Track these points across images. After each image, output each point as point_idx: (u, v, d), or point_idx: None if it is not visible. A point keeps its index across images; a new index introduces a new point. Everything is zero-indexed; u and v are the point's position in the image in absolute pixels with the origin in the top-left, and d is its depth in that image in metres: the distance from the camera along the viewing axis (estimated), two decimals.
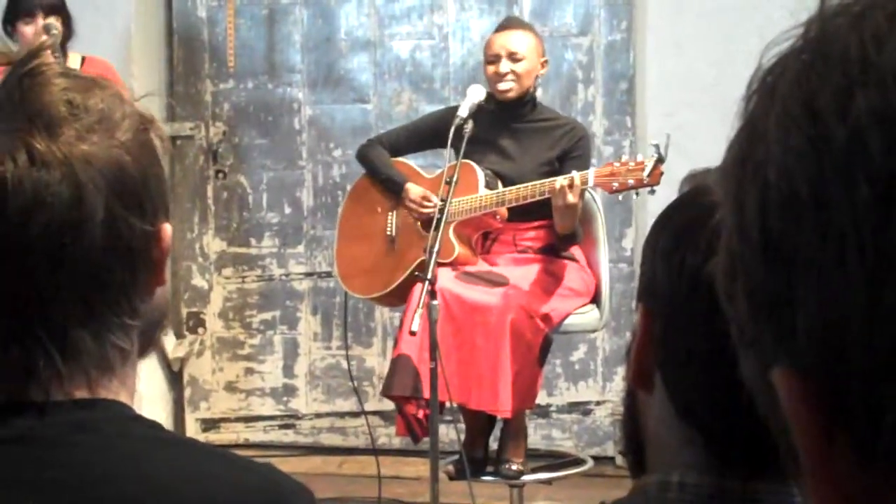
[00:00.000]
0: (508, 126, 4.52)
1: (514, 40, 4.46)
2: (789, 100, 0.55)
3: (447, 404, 4.19)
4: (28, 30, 4.65)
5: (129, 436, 1.23)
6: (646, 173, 4.02)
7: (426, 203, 4.46)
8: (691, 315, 1.09)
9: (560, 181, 4.12)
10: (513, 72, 4.43)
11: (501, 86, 4.44)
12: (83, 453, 1.19)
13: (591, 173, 4.13)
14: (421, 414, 4.20)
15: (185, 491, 1.19)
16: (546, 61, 4.58)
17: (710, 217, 1.08)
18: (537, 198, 4.25)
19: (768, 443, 1.04)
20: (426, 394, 4.07)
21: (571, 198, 4.09)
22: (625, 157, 4.21)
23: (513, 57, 4.43)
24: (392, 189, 4.60)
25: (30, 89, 1.21)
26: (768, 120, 0.55)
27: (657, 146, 3.99)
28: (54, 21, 4.66)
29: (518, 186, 4.31)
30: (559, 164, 4.44)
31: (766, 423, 0.60)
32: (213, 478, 1.22)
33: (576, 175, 4.13)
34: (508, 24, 4.63)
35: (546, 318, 4.26)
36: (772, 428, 0.59)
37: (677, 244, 1.12)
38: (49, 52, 1.26)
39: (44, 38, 4.53)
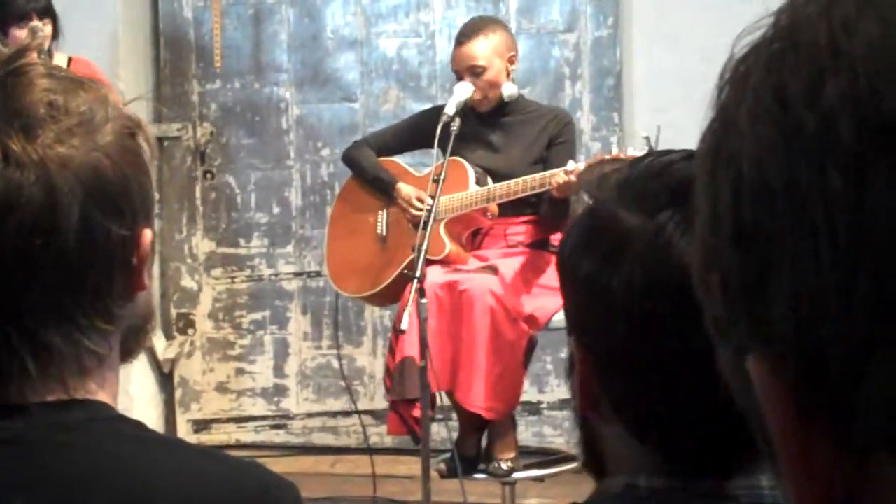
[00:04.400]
0: (494, 120, 4.51)
1: (472, 53, 4.40)
2: (760, 89, 0.55)
3: (438, 401, 4.19)
4: (21, 34, 4.68)
5: (114, 435, 1.22)
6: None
7: (418, 203, 4.45)
8: (623, 342, 1.09)
9: (561, 175, 4.11)
10: (477, 87, 4.38)
11: (474, 103, 4.41)
12: (69, 454, 1.19)
13: (582, 167, 4.12)
14: (419, 414, 4.20)
15: (171, 490, 1.19)
16: (514, 56, 4.49)
17: (627, 244, 1.08)
18: (528, 192, 4.26)
19: (727, 446, 1.04)
20: (433, 388, 4.08)
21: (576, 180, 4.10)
22: (615, 150, 4.21)
23: (473, 71, 4.39)
24: (382, 189, 4.59)
25: (12, 89, 1.20)
26: (740, 110, 0.56)
27: (648, 139, 3.98)
28: (40, 23, 4.69)
29: (508, 182, 4.31)
30: (546, 152, 4.45)
31: (742, 415, 0.60)
32: (199, 476, 1.22)
33: (571, 164, 4.13)
34: (463, 36, 4.49)
35: (531, 319, 4.25)
36: (747, 418, 0.59)
37: (598, 273, 1.10)
38: (35, 52, 1.25)
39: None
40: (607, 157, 4.14)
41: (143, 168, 1.26)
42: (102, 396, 1.25)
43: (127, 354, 1.31)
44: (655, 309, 1.05)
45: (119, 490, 1.18)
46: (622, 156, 4.08)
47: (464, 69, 4.40)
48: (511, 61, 4.48)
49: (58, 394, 1.22)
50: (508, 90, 4.49)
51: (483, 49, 4.41)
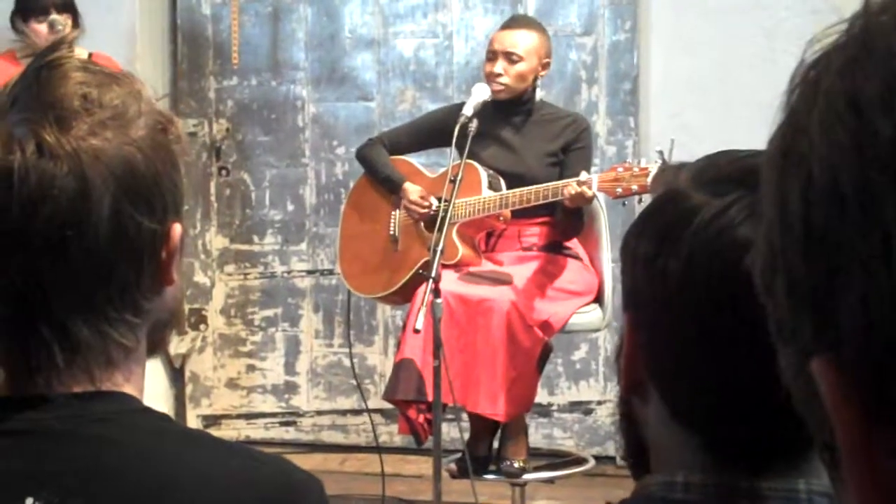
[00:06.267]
0: (509, 120, 4.51)
1: (514, 40, 4.43)
2: (833, 94, 0.55)
3: (451, 401, 4.20)
4: (41, 28, 4.73)
5: (139, 428, 1.23)
6: (650, 179, 4.00)
7: (424, 203, 4.45)
8: (677, 322, 1.08)
9: (573, 186, 4.10)
10: (506, 72, 4.41)
11: (493, 86, 4.43)
12: (94, 445, 1.19)
13: (594, 178, 4.11)
14: (421, 418, 4.20)
15: (195, 483, 1.19)
16: (549, 63, 4.53)
17: (689, 222, 1.07)
18: (540, 201, 4.25)
19: (765, 441, 1.04)
20: (430, 397, 4.07)
21: (589, 192, 4.09)
22: (628, 162, 4.20)
23: (509, 57, 4.41)
24: (391, 189, 4.59)
25: (47, 81, 1.21)
26: (812, 114, 0.56)
27: (661, 152, 3.95)
28: (60, 18, 4.72)
29: (522, 189, 4.29)
30: (563, 156, 4.45)
31: (802, 416, 0.60)
32: (224, 470, 1.22)
33: (584, 175, 4.13)
34: (513, 22, 4.59)
35: (545, 325, 4.25)
36: (809, 422, 0.59)
37: (658, 250, 1.09)
38: (70, 46, 1.26)
39: (53, 35, 4.61)
40: (620, 169, 4.13)
41: (174, 163, 1.26)
42: (128, 389, 1.25)
43: (153, 348, 1.31)
44: (710, 288, 1.04)
45: (143, 482, 1.18)
46: (636, 168, 4.07)
47: (501, 51, 4.42)
48: (544, 67, 4.50)
49: (84, 385, 1.22)
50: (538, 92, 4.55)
51: (527, 41, 4.44)
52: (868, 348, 0.53)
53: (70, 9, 4.81)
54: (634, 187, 4.04)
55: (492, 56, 4.45)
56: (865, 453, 0.55)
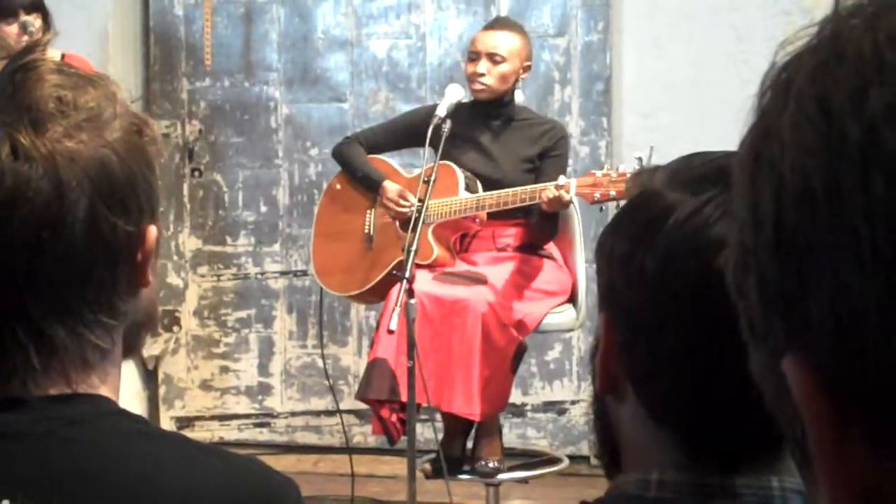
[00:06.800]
0: (488, 124, 4.52)
1: (497, 40, 4.44)
2: (804, 98, 0.56)
3: (425, 402, 4.20)
4: (11, 30, 4.70)
5: (116, 430, 1.23)
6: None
7: (403, 202, 4.45)
8: (654, 321, 1.09)
9: (551, 190, 4.11)
10: (489, 73, 4.41)
11: (475, 86, 4.44)
12: (71, 448, 1.19)
13: (572, 183, 4.12)
14: (394, 418, 4.20)
15: (173, 486, 1.19)
16: (529, 66, 4.53)
17: (665, 220, 1.08)
18: (518, 204, 4.26)
19: (740, 439, 1.05)
20: (403, 397, 4.07)
21: (566, 196, 4.10)
22: (607, 167, 4.21)
23: (492, 58, 4.42)
24: (369, 187, 4.59)
25: (22, 84, 1.21)
26: (783, 117, 0.57)
27: (640, 159, 3.97)
28: (32, 19, 4.69)
29: (500, 192, 4.30)
30: (539, 162, 4.46)
31: (772, 415, 0.61)
32: (201, 472, 1.22)
33: (563, 179, 4.13)
34: (496, 23, 4.61)
35: (520, 325, 4.26)
36: (780, 420, 0.60)
37: (634, 249, 1.10)
38: (45, 48, 1.25)
39: (24, 36, 4.59)
40: (599, 174, 4.14)
41: (149, 165, 1.26)
42: (104, 391, 1.25)
43: (129, 350, 1.31)
44: (686, 286, 1.05)
45: (120, 484, 1.18)
46: (614, 174, 4.08)
47: (484, 52, 4.42)
48: (525, 70, 4.51)
49: (60, 387, 1.22)
50: (517, 97, 4.55)
51: (510, 43, 4.44)
52: (838, 347, 0.54)
53: (39, 8, 4.78)
54: (612, 193, 4.06)
55: (474, 56, 4.45)
56: (835, 451, 0.56)
